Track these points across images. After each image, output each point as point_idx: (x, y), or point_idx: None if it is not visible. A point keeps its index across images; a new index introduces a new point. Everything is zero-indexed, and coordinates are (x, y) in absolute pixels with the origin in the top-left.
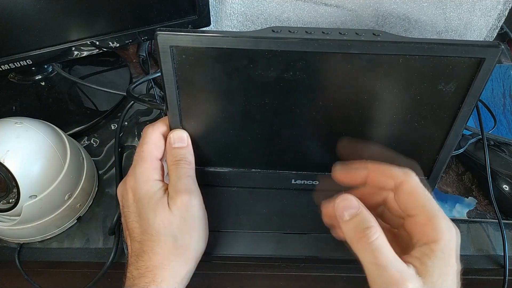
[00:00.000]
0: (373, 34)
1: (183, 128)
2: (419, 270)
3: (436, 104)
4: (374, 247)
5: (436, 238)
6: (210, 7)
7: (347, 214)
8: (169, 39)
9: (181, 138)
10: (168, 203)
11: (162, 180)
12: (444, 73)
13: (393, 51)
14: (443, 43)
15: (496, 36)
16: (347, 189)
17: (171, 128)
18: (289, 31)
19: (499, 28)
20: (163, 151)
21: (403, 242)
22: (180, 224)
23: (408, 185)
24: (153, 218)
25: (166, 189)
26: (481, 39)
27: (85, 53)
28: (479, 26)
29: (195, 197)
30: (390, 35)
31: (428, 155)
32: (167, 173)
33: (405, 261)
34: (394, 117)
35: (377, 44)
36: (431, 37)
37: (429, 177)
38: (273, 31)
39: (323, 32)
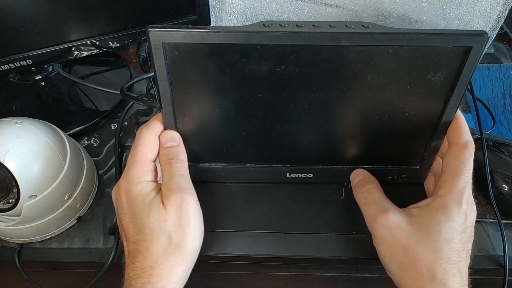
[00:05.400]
0: (363, 26)
1: (177, 125)
2: (414, 213)
3: (426, 94)
4: (366, 192)
5: (443, 193)
6: (210, 7)
7: (356, 181)
8: (161, 35)
9: (172, 138)
10: (162, 202)
11: (156, 181)
12: (432, 62)
13: (382, 42)
14: (430, 33)
15: (496, 36)
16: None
17: (165, 124)
18: (280, 25)
19: (498, 28)
20: (157, 152)
21: None
22: (174, 222)
23: (461, 148)
24: (147, 218)
25: (159, 189)
26: None
27: (85, 53)
28: (479, 27)
29: (189, 194)
30: (379, 27)
31: (419, 144)
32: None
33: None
34: (385, 108)
35: (366, 36)
36: None
37: (420, 166)
38: (265, 25)
39: (313, 25)
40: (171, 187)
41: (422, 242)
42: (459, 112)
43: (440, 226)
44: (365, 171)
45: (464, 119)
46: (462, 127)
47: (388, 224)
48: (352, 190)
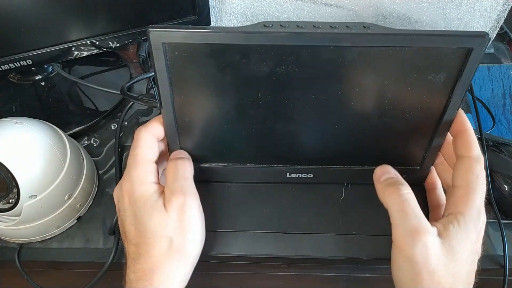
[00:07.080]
0: (363, 26)
1: (177, 125)
2: (440, 232)
3: (427, 95)
4: (403, 198)
5: (463, 211)
6: (210, 7)
7: (383, 177)
8: (161, 36)
9: (180, 153)
10: (164, 205)
11: (158, 183)
12: (433, 63)
13: (383, 43)
14: (431, 34)
15: (496, 36)
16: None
17: (165, 124)
18: (281, 25)
19: (498, 28)
20: (157, 153)
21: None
22: (175, 226)
23: (474, 162)
24: (149, 220)
25: (162, 191)
26: None
27: (85, 53)
28: (479, 27)
29: (192, 198)
30: (380, 28)
31: (419, 145)
32: (161, 175)
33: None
34: (385, 108)
35: (367, 37)
36: None
37: (421, 167)
38: (265, 25)
39: (314, 26)
40: (174, 190)
41: (447, 266)
42: (469, 124)
43: (463, 249)
44: (393, 168)
45: (473, 131)
46: (473, 140)
47: (426, 246)
48: (378, 187)
